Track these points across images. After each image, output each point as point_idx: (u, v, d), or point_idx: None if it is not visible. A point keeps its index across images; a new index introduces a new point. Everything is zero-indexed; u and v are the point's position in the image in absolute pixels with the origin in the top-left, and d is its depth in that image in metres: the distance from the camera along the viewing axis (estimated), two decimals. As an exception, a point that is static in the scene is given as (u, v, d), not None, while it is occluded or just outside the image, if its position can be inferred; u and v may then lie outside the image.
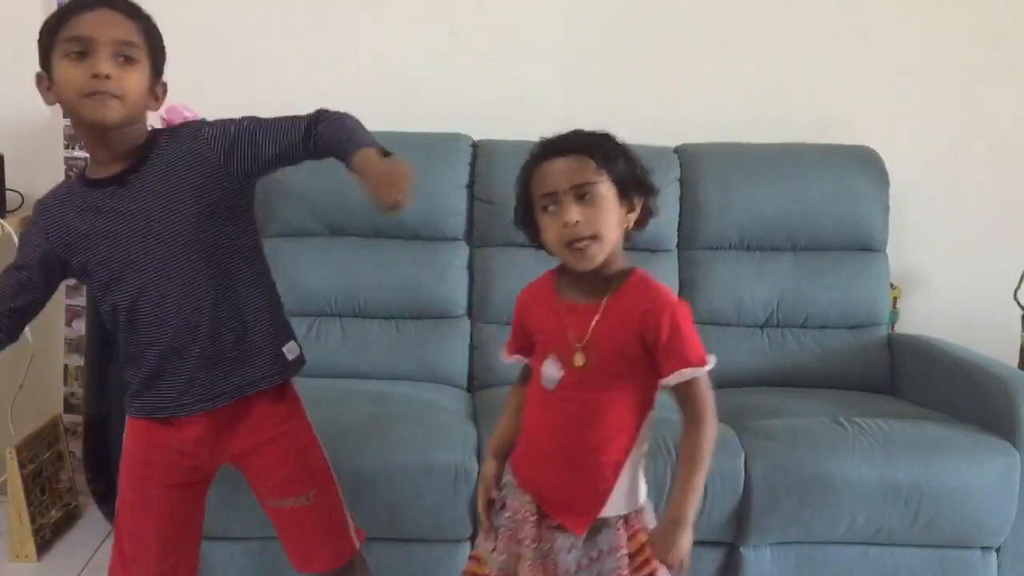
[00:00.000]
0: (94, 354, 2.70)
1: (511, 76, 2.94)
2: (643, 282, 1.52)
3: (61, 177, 2.75)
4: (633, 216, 1.53)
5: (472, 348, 2.69)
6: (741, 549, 2.20)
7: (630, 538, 1.52)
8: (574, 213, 1.44)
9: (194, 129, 1.63)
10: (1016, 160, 3.03)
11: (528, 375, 1.63)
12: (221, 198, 1.60)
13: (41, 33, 1.55)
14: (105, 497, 2.71)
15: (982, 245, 3.03)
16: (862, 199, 2.77)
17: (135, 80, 1.52)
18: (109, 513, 2.72)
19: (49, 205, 1.62)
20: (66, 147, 2.85)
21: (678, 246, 2.78)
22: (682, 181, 2.76)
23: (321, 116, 1.61)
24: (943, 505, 2.16)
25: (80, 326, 2.89)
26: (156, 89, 1.59)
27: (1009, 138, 3.02)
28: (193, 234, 1.58)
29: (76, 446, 2.86)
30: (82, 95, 1.49)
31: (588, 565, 1.51)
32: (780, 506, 2.15)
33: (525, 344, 1.62)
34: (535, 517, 1.55)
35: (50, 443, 2.71)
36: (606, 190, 1.47)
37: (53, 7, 2.79)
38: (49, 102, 1.58)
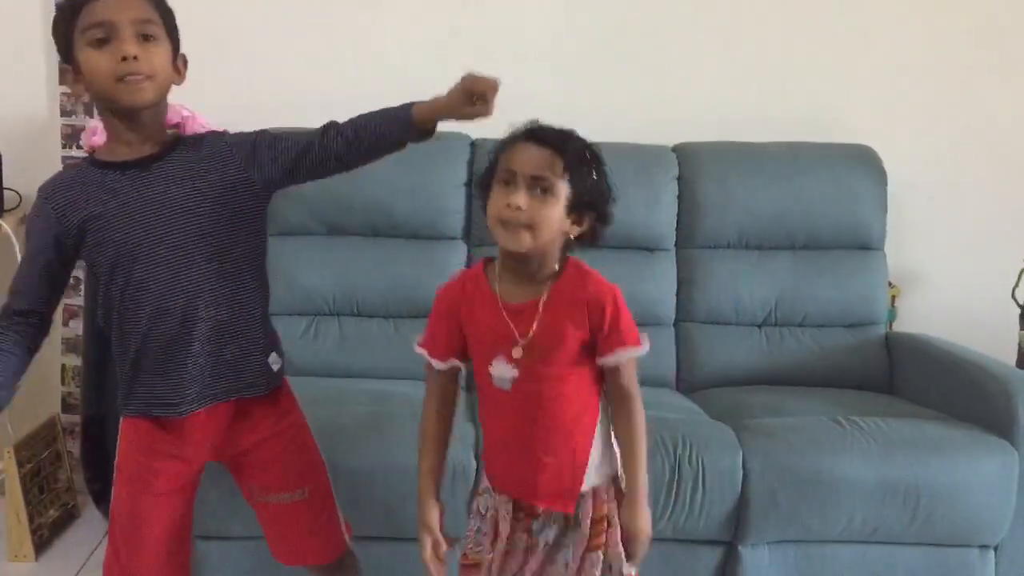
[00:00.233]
0: (92, 354, 2.70)
1: (511, 76, 2.92)
2: (579, 271, 1.55)
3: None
4: (576, 230, 1.54)
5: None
6: (739, 548, 2.19)
7: (595, 508, 1.57)
8: (521, 199, 1.46)
9: (217, 135, 1.66)
10: (1015, 160, 3.03)
11: (449, 382, 1.66)
12: (238, 205, 1.61)
13: (57, 26, 1.54)
14: (103, 496, 2.71)
15: (981, 244, 3.03)
16: (861, 198, 2.77)
17: (161, 57, 1.53)
18: (107, 512, 2.71)
19: (56, 188, 1.60)
20: (63, 146, 2.85)
21: (676, 245, 2.78)
22: (681, 180, 2.77)
23: (333, 123, 1.64)
24: (941, 504, 2.15)
25: (77, 326, 2.89)
26: (178, 63, 1.60)
27: (1008, 138, 3.02)
28: (205, 232, 1.58)
29: (74, 446, 2.86)
30: (115, 80, 1.49)
31: (558, 537, 1.57)
32: (778, 505, 2.14)
33: (458, 345, 1.61)
34: (509, 515, 1.59)
35: (48, 443, 2.71)
36: (560, 193, 1.48)
37: (51, 8, 2.81)
38: (78, 93, 1.60)
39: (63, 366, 2.93)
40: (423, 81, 2.89)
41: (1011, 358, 2.75)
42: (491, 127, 2.93)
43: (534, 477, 1.56)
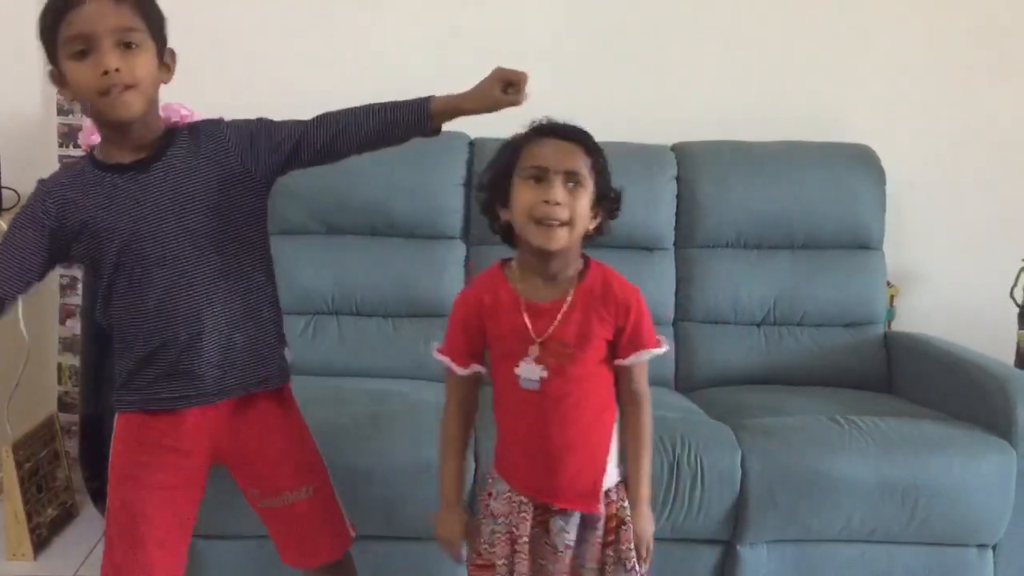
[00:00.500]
0: (91, 353, 2.70)
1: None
2: (602, 271, 1.56)
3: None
4: (593, 224, 1.55)
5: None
6: (738, 547, 2.19)
7: (608, 508, 1.58)
8: (560, 193, 1.46)
9: (213, 124, 1.64)
10: (1014, 160, 3.03)
11: (470, 388, 1.66)
12: (238, 197, 1.61)
13: (41, 33, 1.53)
14: (101, 495, 2.69)
15: (979, 244, 3.03)
16: (860, 197, 2.77)
17: (144, 64, 1.50)
18: (105, 511, 2.72)
19: (57, 185, 1.58)
20: (60, 145, 2.85)
21: (675, 244, 2.78)
22: (679, 179, 2.77)
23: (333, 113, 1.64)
24: (939, 503, 2.15)
25: (74, 325, 2.89)
26: (166, 59, 1.57)
27: (1008, 138, 3.02)
28: (209, 228, 1.58)
29: (72, 445, 2.86)
30: (98, 94, 1.47)
31: (581, 537, 1.58)
32: (777, 504, 2.14)
33: (480, 349, 1.62)
34: (530, 515, 1.58)
35: (46, 442, 2.71)
36: (588, 187, 1.50)
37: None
38: (67, 99, 1.57)
39: (59, 365, 2.93)
40: (423, 81, 2.89)
41: (1010, 358, 2.75)
42: (491, 127, 2.93)
43: (557, 477, 1.56)
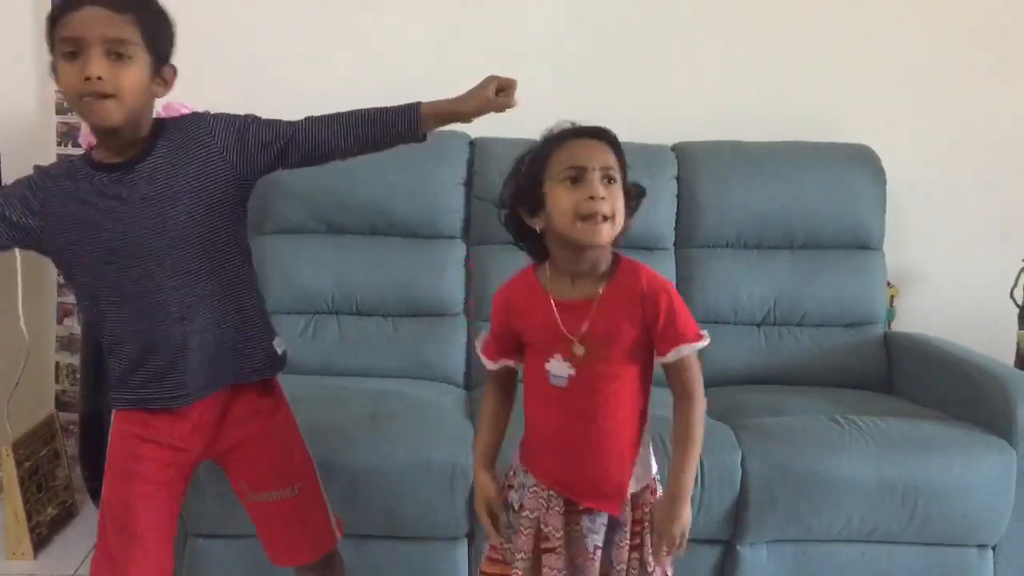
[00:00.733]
0: (90, 351, 2.70)
1: (510, 75, 2.94)
2: (632, 267, 1.56)
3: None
4: (627, 221, 1.56)
5: (469, 346, 2.69)
6: (738, 547, 2.20)
7: (635, 511, 1.58)
8: (601, 189, 1.48)
9: (200, 119, 1.63)
10: (1014, 160, 3.03)
11: (506, 378, 1.67)
12: (224, 193, 1.61)
13: (46, 30, 1.54)
14: (101, 495, 2.71)
15: (979, 244, 3.03)
16: (860, 198, 2.77)
17: (130, 77, 1.50)
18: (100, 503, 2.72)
19: (53, 176, 1.59)
20: (59, 144, 2.85)
21: (675, 244, 2.79)
22: (679, 179, 2.77)
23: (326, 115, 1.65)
24: (939, 503, 2.16)
25: (72, 324, 2.89)
26: (163, 74, 1.57)
27: (1008, 138, 3.03)
28: (194, 226, 1.58)
29: (71, 444, 2.86)
30: (77, 96, 1.49)
31: (608, 539, 1.57)
32: (777, 504, 2.14)
33: (511, 346, 1.63)
34: (561, 508, 1.58)
35: (46, 441, 2.71)
36: (620, 185, 1.52)
37: (47, 7, 2.81)
38: (59, 93, 1.58)
39: (57, 364, 2.93)
40: (423, 81, 2.90)
41: (1009, 358, 2.75)
42: (491, 127, 2.94)
43: (581, 476, 1.56)
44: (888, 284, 2.84)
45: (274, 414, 1.76)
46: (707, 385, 2.61)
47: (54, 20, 1.50)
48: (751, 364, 2.70)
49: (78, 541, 2.64)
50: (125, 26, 1.49)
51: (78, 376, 2.85)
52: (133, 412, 1.66)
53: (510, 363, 1.65)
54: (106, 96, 1.47)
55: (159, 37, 1.55)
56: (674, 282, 2.73)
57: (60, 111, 2.85)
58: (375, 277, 2.67)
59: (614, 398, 1.54)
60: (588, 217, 1.47)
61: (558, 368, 1.54)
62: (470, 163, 2.75)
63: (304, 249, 2.65)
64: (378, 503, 2.11)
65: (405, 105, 1.66)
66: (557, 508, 1.58)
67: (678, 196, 2.76)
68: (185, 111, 2.55)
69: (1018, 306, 2.80)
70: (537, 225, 1.54)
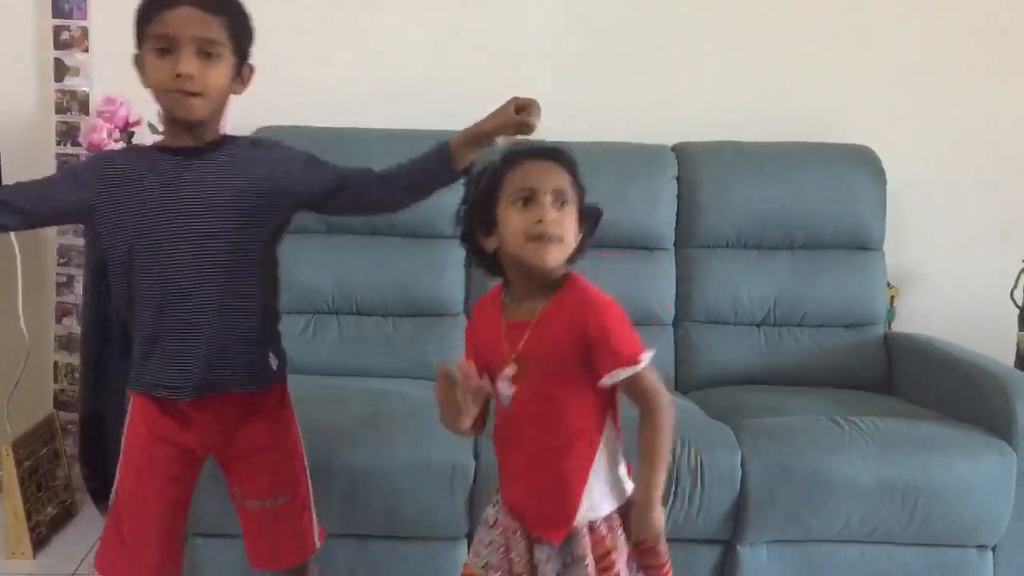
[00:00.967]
0: (90, 351, 2.70)
1: (510, 75, 2.94)
2: (573, 288, 1.52)
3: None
4: (577, 242, 1.54)
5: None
6: (738, 547, 2.20)
7: (596, 544, 1.52)
8: (551, 211, 1.47)
9: (272, 142, 1.73)
10: (1014, 160, 3.03)
11: None
12: (269, 213, 1.66)
13: (136, 18, 1.60)
14: (101, 494, 2.71)
15: (980, 244, 3.03)
16: (860, 198, 2.77)
17: (217, 76, 1.57)
18: (105, 510, 2.71)
19: (111, 159, 1.66)
20: (59, 144, 2.85)
21: (675, 244, 2.78)
22: (680, 179, 2.77)
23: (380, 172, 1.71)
24: (939, 504, 2.15)
25: (71, 323, 2.89)
26: (243, 73, 1.64)
27: (1008, 138, 3.02)
28: (234, 228, 1.63)
29: (71, 443, 2.86)
30: (166, 91, 1.55)
31: (562, 572, 1.52)
32: (777, 504, 2.14)
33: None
34: (521, 536, 1.56)
35: (46, 440, 2.71)
36: (573, 207, 1.51)
37: (47, 11, 2.81)
38: (145, 86, 1.63)
39: (56, 363, 2.93)
40: (423, 81, 2.93)
41: (1009, 358, 2.75)
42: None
43: (526, 499, 1.55)
44: (888, 284, 2.84)
45: (283, 425, 1.78)
46: (707, 385, 2.67)
47: (147, 15, 1.56)
48: (751, 364, 2.70)
49: (78, 541, 2.64)
50: (216, 27, 1.56)
51: (77, 376, 2.85)
52: (147, 402, 1.69)
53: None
54: (194, 94, 1.55)
55: (243, 38, 1.62)
56: (674, 282, 2.75)
57: (60, 111, 2.85)
58: (375, 277, 2.67)
59: (556, 420, 1.51)
60: (537, 239, 1.46)
61: (503, 387, 1.54)
62: (470, 163, 2.74)
63: (304, 249, 2.65)
64: (378, 503, 2.11)
65: (436, 145, 1.69)
66: (521, 531, 1.56)
67: (678, 196, 2.76)
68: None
69: (1018, 307, 2.80)
70: (490, 245, 1.54)
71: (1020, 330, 2.79)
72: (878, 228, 2.80)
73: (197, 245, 1.61)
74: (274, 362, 1.74)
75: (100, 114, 2.61)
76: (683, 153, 2.81)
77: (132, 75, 2.70)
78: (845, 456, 2.15)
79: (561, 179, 1.50)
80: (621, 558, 1.53)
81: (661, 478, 1.51)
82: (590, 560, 1.51)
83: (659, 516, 1.51)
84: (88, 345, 2.71)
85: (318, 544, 1.85)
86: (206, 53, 1.55)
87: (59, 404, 2.92)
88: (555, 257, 1.48)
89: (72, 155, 2.82)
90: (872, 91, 2.99)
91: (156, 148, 1.66)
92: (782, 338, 2.74)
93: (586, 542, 1.52)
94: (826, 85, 2.99)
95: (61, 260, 2.89)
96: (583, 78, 2.95)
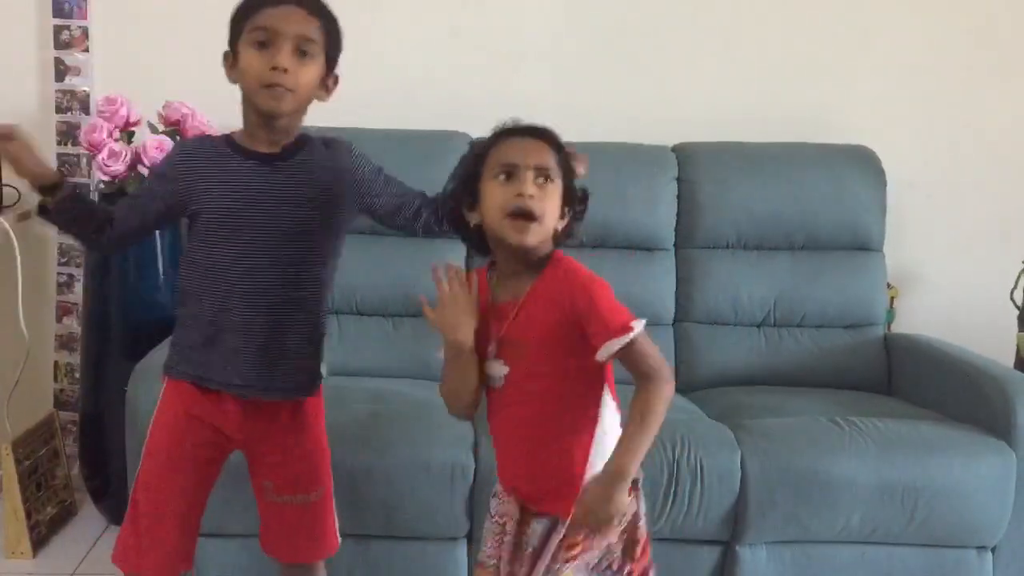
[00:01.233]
0: (91, 351, 2.70)
1: (510, 75, 2.95)
2: (560, 265, 1.53)
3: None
4: (561, 224, 1.54)
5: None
6: (737, 548, 2.20)
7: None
8: (532, 187, 1.47)
9: (347, 146, 1.75)
10: (1014, 160, 3.03)
11: None
12: (336, 216, 1.70)
13: (235, 14, 1.64)
14: (101, 494, 2.72)
15: (980, 245, 3.03)
16: (860, 199, 2.77)
17: (309, 75, 1.61)
18: (105, 509, 2.72)
19: (193, 152, 1.69)
20: (59, 143, 2.85)
21: (676, 245, 2.78)
22: (680, 180, 2.76)
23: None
24: (939, 505, 2.16)
25: (71, 323, 2.89)
26: (328, 82, 1.67)
27: (1008, 138, 3.03)
28: (306, 232, 1.66)
29: (71, 443, 2.86)
30: (260, 84, 1.58)
31: (542, 544, 1.53)
32: (776, 505, 2.14)
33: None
34: (517, 516, 1.56)
35: (46, 440, 2.71)
36: (557, 186, 1.51)
37: (48, 11, 2.81)
38: (231, 80, 1.66)
39: (56, 363, 2.93)
40: (423, 81, 2.93)
41: (1009, 359, 2.75)
42: (492, 126, 2.93)
43: (526, 477, 1.56)
44: (888, 285, 2.84)
45: (319, 421, 1.80)
46: (707, 386, 2.67)
47: (249, 10, 1.60)
48: (751, 365, 2.70)
49: (77, 540, 2.64)
50: (314, 28, 1.61)
51: (77, 375, 2.85)
52: (186, 387, 1.69)
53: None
54: (287, 90, 1.58)
55: (334, 46, 1.66)
56: (674, 282, 2.75)
57: (60, 110, 2.85)
58: (375, 277, 2.67)
59: (551, 398, 1.51)
60: (515, 215, 1.46)
61: (493, 368, 1.54)
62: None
63: (304, 249, 2.65)
64: (378, 503, 2.11)
65: None
66: (514, 514, 1.57)
67: (678, 197, 2.76)
68: (186, 111, 2.56)
69: (1018, 307, 2.80)
70: (472, 220, 1.55)
71: (1020, 331, 2.79)
72: (878, 228, 2.80)
73: (269, 250, 1.64)
74: (324, 369, 1.78)
75: (100, 114, 2.61)
76: (683, 153, 2.81)
77: (132, 75, 2.71)
78: (845, 457, 2.15)
79: (545, 156, 1.49)
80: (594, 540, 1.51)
81: (644, 449, 1.43)
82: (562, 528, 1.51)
83: (622, 495, 1.42)
84: (89, 344, 2.71)
85: (338, 543, 1.85)
86: (302, 51, 1.59)
87: (59, 404, 2.92)
88: (534, 235, 1.47)
89: (72, 155, 2.81)
90: (872, 91, 2.99)
91: (231, 145, 1.67)
92: (782, 339, 2.74)
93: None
94: (826, 85, 2.99)
95: (62, 260, 2.89)
96: (583, 78, 2.95)
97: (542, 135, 1.53)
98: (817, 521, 2.16)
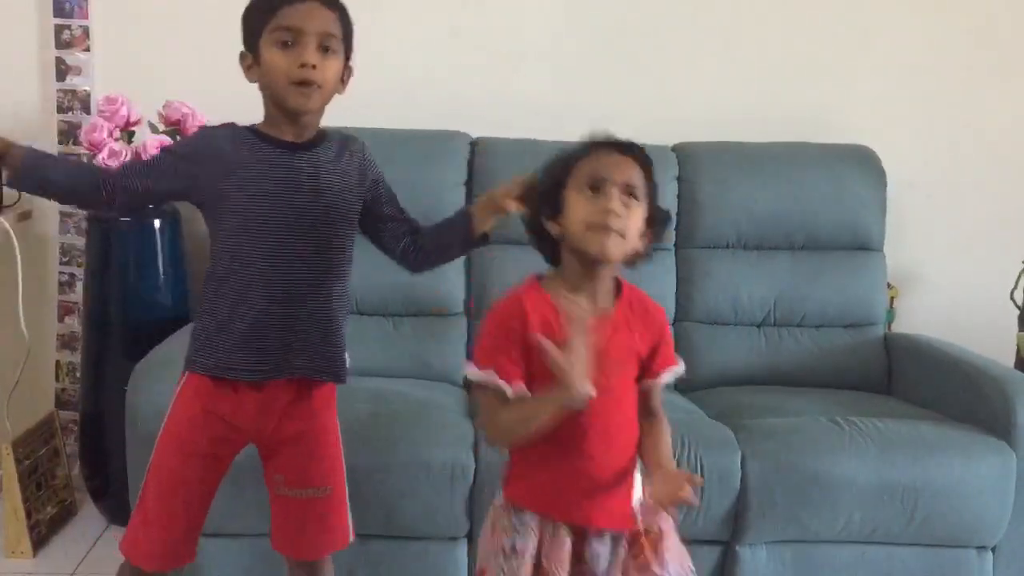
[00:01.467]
0: (91, 350, 2.70)
1: (510, 75, 2.95)
2: (632, 288, 1.56)
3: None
4: (641, 246, 1.53)
5: (470, 346, 2.68)
6: (737, 548, 2.20)
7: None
8: (619, 204, 1.46)
9: (361, 144, 1.78)
10: (1014, 160, 3.03)
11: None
12: (351, 209, 1.73)
13: (250, 15, 1.65)
14: (101, 493, 2.72)
15: (979, 245, 3.04)
16: (860, 198, 2.77)
17: (333, 69, 1.63)
18: (105, 509, 2.72)
19: (221, 138, 1.68)
20: (60, 143, 2.85)
21: (676, 244, 2.78)
22: (680, 180, 2.77)
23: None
24: (939, 504, 2.16)
25: (72, 322, 2.89)
26: (344, 74, 1.69)
27: (1008, 138, 3.03)
28: (330, 220, 1.68)
29: (71, 442, 2.86)
30: (289, 82, 1.59)
31: (612, 555, 1.54)
32: (776, 505, 2.15)
33: (524, 369, 1.48)
34: (569, 541, 1.52)
35: (46, 439, 2.71)
36: (641, 205, 1.50)
37: (48, 10, 2.81)
38: (250, 80, 1.67)
39: (57, 362, 2.93)
40: (423, 81, 2.93)
41: (1009, 359, 2.75)
42: (492, 127, 2.94)
43: (596, 497, 1.52)
44: (888, 285, 2.85)
45: (331, 416, 1.80)
46: (707, 386, 2.67)
47: (270, 9, 1.60)
48: (751, 365, 2.70)
49: (77, 540, 2.64)
50: (334, 23, 1.63)
51: (79, 375, 2.85)
52: (204, 382, 1.69)
53: (524, 388, 1.48)
54: (316, 86, 1.60)
55: (350, 38, 1.69)
56: (674, 283, 2.75)
57: (61, 110, 2.85)
58: (375, 277, 2.64)
59: (623, 416, 1.53)
60: (599, 229, 1.45)
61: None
62: (471, 163, 2.74)
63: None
64: (378, 503, 2.11)
65: (458, 210, 1.80)
66: (564, 541, 1.52)
67: (678, 196, 2.76)
68: (186, 110, 2.57)
69: (1018, 307, 2.80)
70: (554, 230, 1.52)
71: (1020, 330, 2.79)
72: (878, 228, 2.80)
73: (299, 232, 1.65)
74: (348, 359, 1.77)
75: (100, 113, 2.61)
76: (683, 153, 2.81)
77: (133, 74, 2.71)
78: (845, 456, 2.15)
79: (633, 174, 1.49)
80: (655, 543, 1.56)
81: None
82: (626, 541, 1.54)
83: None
84: (89, 343, 2.71)
85: (351, 538, 1.84)
86: (325, 48, 1.61)
87: (61, 403, 2.92)
88: (615, 250, 1.46)
89: (73, 154, 2.81)
90: (872, 91, 2.99)
91: (256, 134, 1.68)
92: (782, 339, 2.74)
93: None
94: (826, 85, 2.99)
95: (63, 259, 2.89)
96: (583, 78, 2.95)
97: (632, 151, 1.52)
98: (817, 521, 2.16)
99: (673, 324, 2.75)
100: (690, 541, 2.16)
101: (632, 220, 1.48)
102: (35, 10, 2.83)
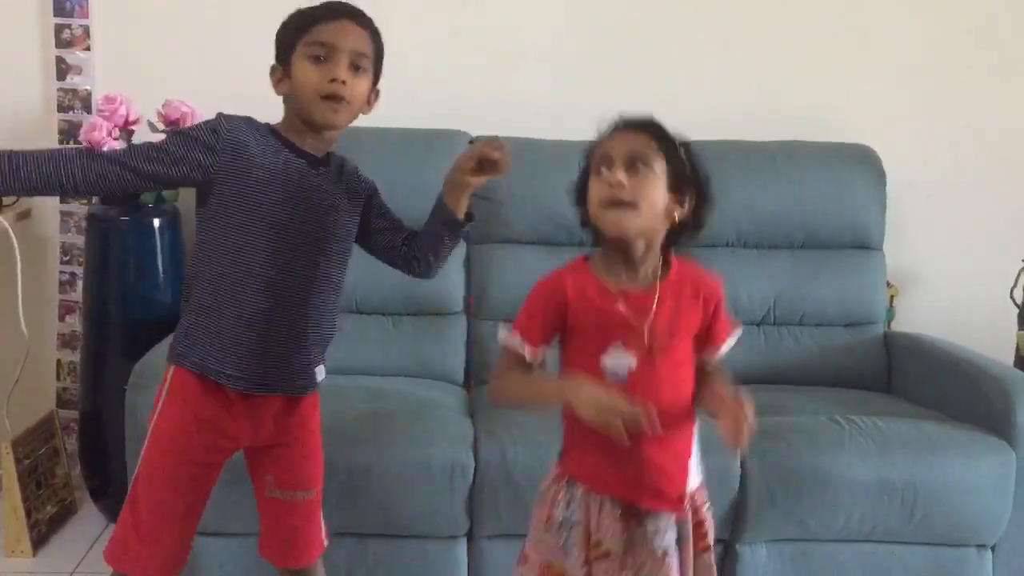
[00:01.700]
0: (91, 349, 2.70)
1: (510, 75, 2.95)
2: (685, 261, 1.57)
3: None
4: (680, 212, 1.52)
5: (470, 344, 2.69)
6: (737, 546, 2.20)
7: (694, 512, 1.56)
8: (620, 175, 1.46)
9: (354, 163, 1.81)
10: (1014, 160, 3.03)
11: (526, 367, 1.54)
12: (348, 229, 1.76)
13: (285, 29, 1.68)
14: (101, 492, 2.72)
15: (979, 244, 3.04)
16: (860, 197, 2.77)
17: (362, 88, 1.66)
18: (105, 508, 2.72)
19: (243, 133, 1.66)
20: (60, 142, 2.85)
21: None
22: (680, 179, 2.76)
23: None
24: (939, 503, 2.16)
25: (73, 321, 2.89)
26: (370, 95, 1.72)
27: (1008, 138, 3.03)
28: (334, 235, 1.71)
29: (71, 441, 2.86)
30: (318, 96, 1.62)
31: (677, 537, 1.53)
32: (776, 504, 2.15)
33: (552, 335, 1.54)
34: (618, 513, 1.52)
35: (46, 438, 2.71)
36: (659, 169, 1.49)
37: (49, 10, 2.81)
38: (278, 92, 1.69)
39: (59, 361, 2.93)
40: (423, 81, 2.93)
41: (1009, 358, 2.75)
42: (491, 126, 2.93)
43: (644, 475, 1.50)
44: (888, 284, 2.85)
45: (315, 417, 1.81)
46: (707, 384, 2.65)
47: (305, 25, 1.63)
48: (751, 364, 2.68)
49: (77, 539, 2.64)
50: (367, 43, 1.67)
51: (79, 374, 2.85)
52: (191, 381, 1.67)
53: (544, 358, 1.55)
54: (345, 102, 1.63)
55: (380, 61, 1.72)
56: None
57: (62, 109, 2.85)
58: (374, 276, 2.63)
59: (673, 393, 1.52)
60: (608, 205, 1.46)
61: (617, 363, 1.49)
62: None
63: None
64: (378, 502, 2.11)
65: (437, 198, 1.77)
66: (613, 513, 1.51)
67: (678, 196, 2.76)
68: (186, 110, 2.57)
69: (1018, 306, 2.80)
70: (584, 218, 1.55)
71: (1020, 330, 2.79)
72: (878, 228, 2.80)
73: (303, 243, 1.67)
74: (320, 375, 1.78)
75: (99, 112, 2.61)
76: (683, 153, 2.80)
77: (133, 73, 2.71)
78: (845, 456, 2.15)
79: (637, 144, 1.48)
80: (711, 535, 1.58)
81: None
82: (690, 529, 1.54)
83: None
84: (88, 342, 2.71)
85: (326, 543, 1.86)
86: (356, 66, 1.63)
87: (62, 402, 2.93)
88: (627, 223, 1.46)
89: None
90: (872, 91, 2.99)
91: (278, 137, 1.68)
92: (782, 338, 2.74)
93: (689, 512, 1.55)
94: (826, 85, 2.99)
95: (64, 258, 2.89)
96: (583, 78, 2.95)
97: (637, 125, 1.52)
98: (817, 519, 2.17)
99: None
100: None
101: (646, 188, 1.47)
102: (36, 9, 2.83)
